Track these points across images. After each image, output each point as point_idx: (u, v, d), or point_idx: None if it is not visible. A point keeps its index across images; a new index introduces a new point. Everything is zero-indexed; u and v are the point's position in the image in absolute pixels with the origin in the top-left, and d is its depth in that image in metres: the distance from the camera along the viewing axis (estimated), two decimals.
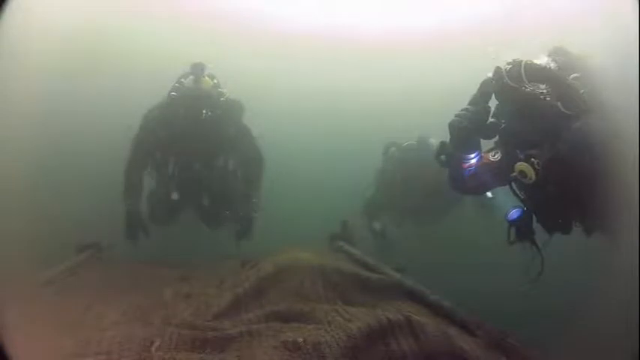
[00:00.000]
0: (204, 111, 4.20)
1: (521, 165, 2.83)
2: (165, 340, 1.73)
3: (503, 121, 3.01)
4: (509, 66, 2.88)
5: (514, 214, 3.13)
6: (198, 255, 4.57)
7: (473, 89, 3.05)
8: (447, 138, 3.12)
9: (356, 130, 6.15)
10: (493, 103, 3.05)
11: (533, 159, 2.80)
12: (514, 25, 4.86)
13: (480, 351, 1.80)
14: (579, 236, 3.12)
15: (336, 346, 1.63)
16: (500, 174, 3.05)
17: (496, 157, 3.09)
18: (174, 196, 4.30)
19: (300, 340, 1.66)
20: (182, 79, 4.31)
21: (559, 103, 2.77)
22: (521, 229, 3.11)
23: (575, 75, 2.88)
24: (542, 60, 2.96)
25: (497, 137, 3.14)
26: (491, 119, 3.04)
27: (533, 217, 3.09)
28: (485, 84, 3.01)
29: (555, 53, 3.03)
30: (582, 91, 2.79)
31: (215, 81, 4.36)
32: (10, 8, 1.64)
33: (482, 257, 4.72)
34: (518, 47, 3.09)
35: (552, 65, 2.93)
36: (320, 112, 6.54)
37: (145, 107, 4.46)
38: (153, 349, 1.68)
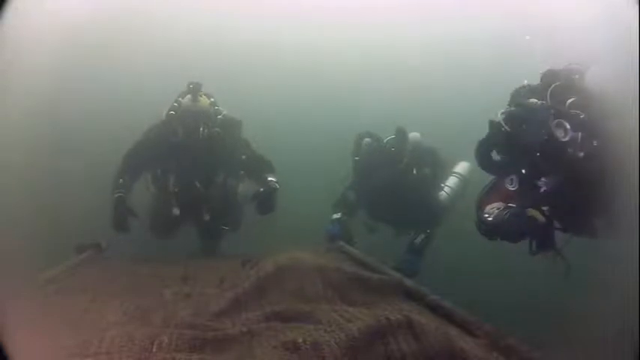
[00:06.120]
0: (201, 129, 4.26)
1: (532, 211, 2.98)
2: (166, 340, 1.73)
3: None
4: (504, 115, 2.90)
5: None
6: (199, 255, 4.59)
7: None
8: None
9: (356, 129, 6.13)
10: None
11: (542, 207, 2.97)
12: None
13: (480, 351, 1.79)
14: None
15: (336, 346, 1.62)
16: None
17: (513, 185, 3.10)
18: (175, 212, 4.35)
19: (300, 340, 1.66)
20: (179, 98, 4.37)
21: (562, 131, 2.80)
22: (543, 240, 3.11)
23: (571, 100, 2.88)
24: (538, 89, 2.98)
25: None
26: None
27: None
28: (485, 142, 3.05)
29: (551, 78, 3.03)
30: (582, 115, 2.81)
31: (212, 99, 4.44)
32: None
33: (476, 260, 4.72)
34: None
35: (549, 94, 2.93)
36: (319, 110, 6.54)
37: (152, 105, 4.51)
38: (153, 349, 1.68)
